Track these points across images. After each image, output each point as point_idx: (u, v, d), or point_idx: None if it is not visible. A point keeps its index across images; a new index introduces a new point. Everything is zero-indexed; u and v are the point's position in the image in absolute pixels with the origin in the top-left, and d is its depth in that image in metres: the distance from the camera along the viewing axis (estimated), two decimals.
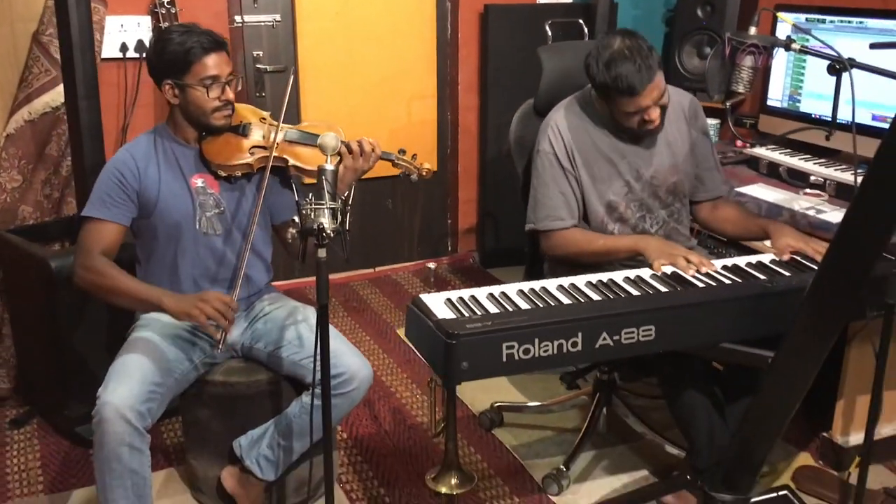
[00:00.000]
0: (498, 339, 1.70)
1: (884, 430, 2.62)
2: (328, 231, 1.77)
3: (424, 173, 2.38)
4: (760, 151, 3.11)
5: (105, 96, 3.35)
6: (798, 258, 2.13)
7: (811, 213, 2.60)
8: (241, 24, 3.65)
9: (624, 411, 2.80)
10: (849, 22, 2.86)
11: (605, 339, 1.78)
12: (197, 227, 2.23)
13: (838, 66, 1.86)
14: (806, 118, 3.08)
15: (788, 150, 3.08)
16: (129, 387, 1.97)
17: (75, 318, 2.63)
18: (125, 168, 2.18)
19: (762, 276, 2.02)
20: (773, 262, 2.13)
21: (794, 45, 1.96)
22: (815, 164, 2.93)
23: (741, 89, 2.10)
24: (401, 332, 3.59)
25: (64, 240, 3.02)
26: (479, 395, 2.98)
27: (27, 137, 3.07)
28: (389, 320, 3.72)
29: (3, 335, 2.96)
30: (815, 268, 2.07)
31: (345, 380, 2.15)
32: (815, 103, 3.03)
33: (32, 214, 3.05)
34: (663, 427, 2.74)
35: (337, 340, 2.21)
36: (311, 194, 1.81)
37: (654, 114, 2.22)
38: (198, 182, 2.24)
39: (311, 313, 2.34)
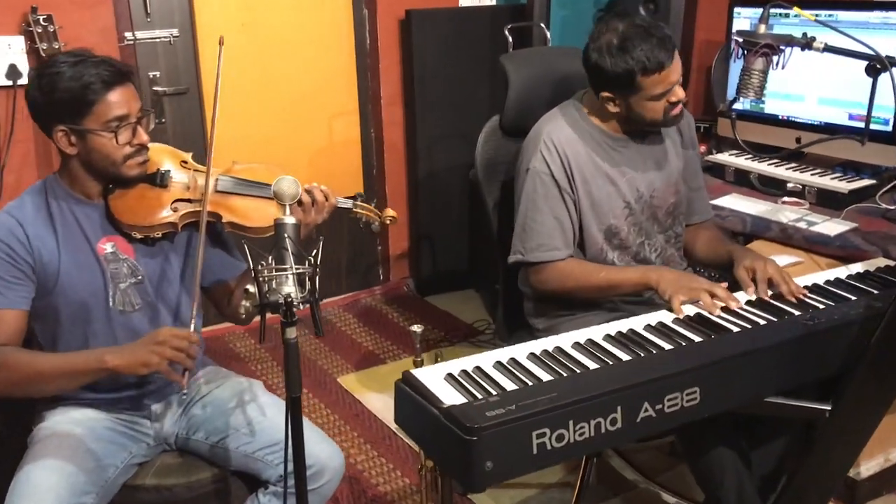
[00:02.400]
0: (526, 426, 1.35)
1: (893, 457, 2.42)
2: (297, 303, 1.38)
3: (388, 221, 2.01)
4: (725, 158, 2.89)
5: None
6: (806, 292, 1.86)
7: (802, 225, 2.37)
8: (132, 42, 3.17)
9: (610, 454, 2.50)
10: (816, 15, 2.66)
11: (646, 410, 1.46)
12: (110, 304, 1.78)
13: (878, 66, 1.60)
14: (772, 120, 2.88)
15: (751, 155, 2.86)
16: None
17: None
18: (12, 238, 1.71)
19: (796, 312, 1.75)
20: (807, 294, 1.86)
21: (816, 44, 1.70)
22: (787, 168, 2.73)
23: (752, 96, 1.83)
24: (343, 380, 3.20)
25: None
26: None
27: None
28: (326, 367, 3.31)
29: None
30: (844, 295, 1.82)
31: (314, 473, 1.75)
32: (782, 104, 2.83)
33: None
34: (655, 472, 2.46)
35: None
36: (270, 258, 1.41)
37: (681, 93, 1.95)
38: (106, 247, 1.79)
39: (259, 390, 1.93)
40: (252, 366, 3.32)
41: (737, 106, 2.97)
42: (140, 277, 1.82)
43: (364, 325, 3.68)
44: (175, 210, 1.81)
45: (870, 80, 1.67)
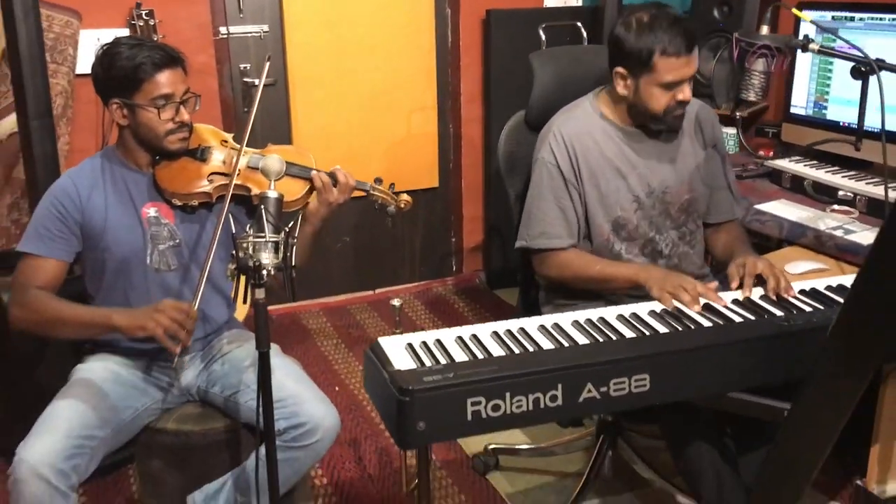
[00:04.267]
0: (461, 394, 1.45)
1: None
2: (269, 268, 1.54)
3: (403, 205, 2.14)
4: (783, 164, 2.83)
5: (82, 113, 3.21)
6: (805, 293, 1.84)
7: (838, 233, 2.32)
8: (226, 36, 3.45)
9: (630, 455, 2.53)
10: (880, 19, 2.58)
11: (590, 391, 1.52)
12: (148, 262, 2.01)
13: (864, 69, 1.58)
14: (833, 127, 2.79)
15: (814, 163, 2.80)
16: (50, 442, 1.74)
17: (28, 357, 2.43)
18: (65, 197, 1.97)
19: (780, 313, 1.75)
20: (796, 295, 1.85)
21: (811, 46, 1.69)
22: (843, 177, 2.65)
23: (752, 97, 1.85)
24: None
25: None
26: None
27: None
28: None
29: None
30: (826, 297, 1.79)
31: (307, 430, 1.91)
32: (844, 110, 2.75)
33: None
34: (673, 472, 2.46)
35: (300, 385, 1.98)
36: (249, 226, 1.58)
37: (688, 92, 1.98)
38: (150, 211, 2.02)
39: (273, 353, 2.10)
40: (318, 341, 3.53)
41: (798, 111, 2.92)
42: (178, 241, 2.04)
43: (431, 312, 3.83)
44: (211, 181, 2.02)
45: None
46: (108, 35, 3.18)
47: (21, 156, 2.91)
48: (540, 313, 2.27)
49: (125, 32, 3.23)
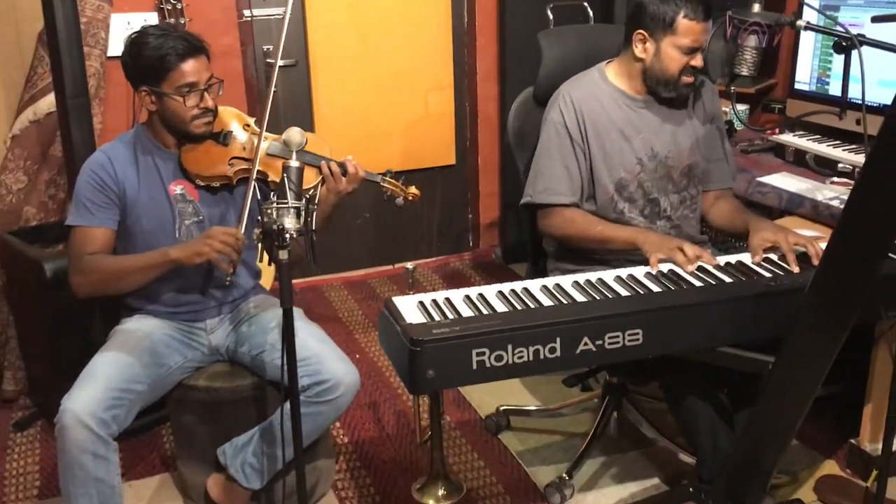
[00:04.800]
0: (467, 345, 1.59)
1: None
2: (291, 232, 1.67)
3: (411, 198, 2.27)
4: (787, 138, 2.92)
5: (113, 95, 3.36)
6: (774, 257, 1.96)
7: (835, 203, 2.42)
8: (250, 18, 3.59)
9: (636, 417, 2.66)
10: None
11: (586, 343, 1.66)
12: (176, 235, 2.16)
13: (845, 44, 1.68)
14: (835, 101, 2.87)
15: (817, 137, 2.89)
16: (91, 393, 1.91)
17: (72, 321, 2.59)
18: (102, 171, 2.12)
19: (768, 274, 1.87)
20: (782, 258, 1.97)
21: (798, 23, 1.80)
22: (844, 150, 2.74)
23: (745, 72, 1.95)
24: None
25: (65, 241, 2.99)
26: (486, 397, 2.87)
27: (32, 138, 3.05)
28: None
29: (8, 338, 2.96)
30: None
31: (329, 386, 2.06)
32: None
33: (36, 215, 3.03)
34: (677, 433, 2.58)
35: (322, 344, 2.13)
36: (273, 193, 1.72)
37: (700, 60, 2.11)
38: (176, 189, 2.17)
39: (297, 315, 2.25)
40: (340, 312, 3.68)
41: (802, 87, 3.01)
42: (201, 218, 2.18)
43: (449, 286, 3.96)
44: (231, 165, 2.16)
45: None
46: (138, 18, 3.36)
47: (58, 134, 3.08)
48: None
49: (154, 16, 3.38)
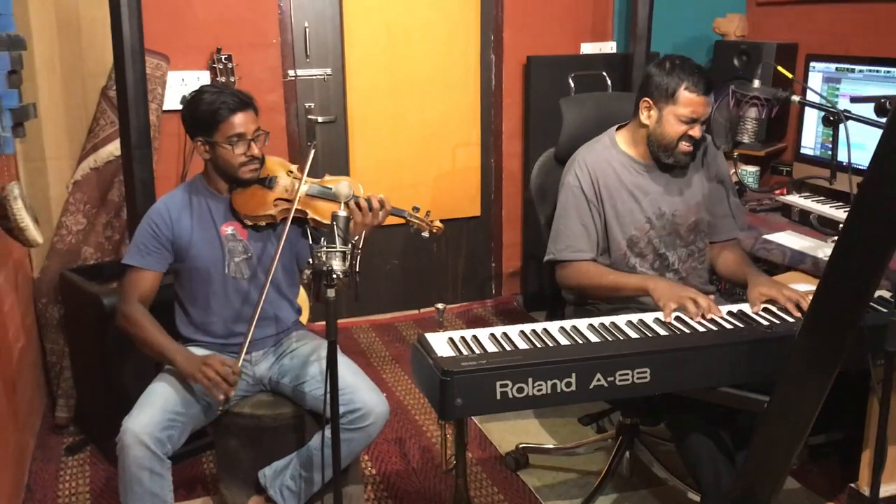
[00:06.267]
0: (492, 377, 1.78)
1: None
2: (338, 273, 1.89)
3: (435, 230, 2.49)
4: (793, 199, 3.12)
5: (166, 145, 3.64)
6: (773, 308, 2.16)
7: None
8: (294, 78, 3.87)
9: (648, 458, 2.82)
10: (877, 71, 2.88)
11: (599, 380, 1.84)
12: (226, 271, 2.39)
13: (833, 118, 1.90)
14: (839, 166, 3.08)
15: (821, 198, 3.09)
16: (150, 414, 2.12)
17: (125, 352, 2.81)
18: (160, 219, 2.36)
19: (765, 322, 2.06)
20: (781, 308, 2.16)
21: (793, 98, 2.02)
22: (844, 211, 2.93)
23: (747, 139, 2.15)
24: None
25: (120, 279, 3.22)
26: (506, 436, 3.04)
27: (92, 184, 3.32)
28: None
29: (63, 368, 3.19)
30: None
31: (361, 415, 2.25)
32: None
33: (94, 255, 3.28)
34: (684, 473, 2.74)
35: (355, 377, 2.33)
36: (323, 238, 1.94)
37: (698, 131, 2.32)
38: (227, 230, 2.40)
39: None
40: (368, 354, 3.88)
41: (807, 151, 3.22)
42: (250, 254, 2.41)
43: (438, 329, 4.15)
44: (275, 206, 2.39)
45: None
46: (192, 76, 3.66)
47: (115, 180, 3.35)
48: None
49: (206, 74, 3.67)
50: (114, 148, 3.34)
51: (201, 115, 2.31)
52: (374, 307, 4.27)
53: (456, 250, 4.36)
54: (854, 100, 1.87)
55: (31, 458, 2.95)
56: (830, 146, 3.11)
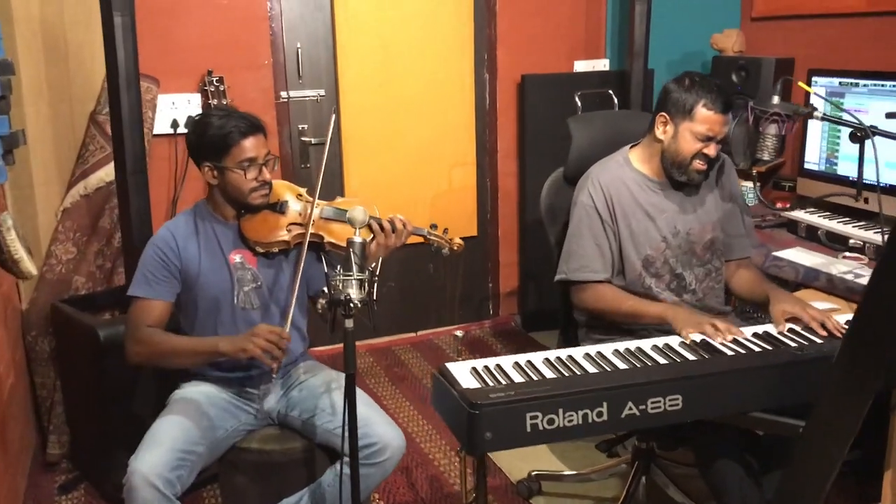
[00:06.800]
0: (521, 409, 1.71)
1: None
2: (355, 302, 1.82)
3: (456, 248, 2.43)
4: (799, 215, 3.09)
5: (156, 170, 3.54)
6: (797, 328, 2.11)
7: (849, 277, 2.57)
8: (286, 100, 3.79)
9: (664, 481, 2.75)
10: (882, 85, 2.86)
11: (630, 408, 1.78)
12: (235, 301, 2.30)
13: (860, 134, 1.86)
14: (843, 181, 3.06)
15: (827, 214, 3.06)
16: (158, 454, 2.02)
17: (122, 386, 2.71)
18: (166, 246, 2.27)
19: (793, 344, 2.00)
20: (806, 328, 2.11)
21: (816, 114, 1.98)
22: (853, 227, 2.90)
23: (766, 157, 2.11)
24: None
25: (114, 309, 3.13)
26: (517, 462, 2.97)
27: (82, 211, 3.22)
28: (429, 386, 3.73)
29: (54, 402, 3.07)
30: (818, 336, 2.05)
31: (377, 450, 2.17)
32: (853, 166, 2.99)
33: (85, 284, 3.17)
34: (704, 497, 2.67)
35: (370, 409, 2.24)
36: (339, 266, 1.86)
37: (713, 150, 2.28)
38: (236, 258, 2.32)
39: (343, 381, 2.37)
40: (367, 379, 3.79)
41: (811, 167, 3.20)
42: (259, 283, 2.33)
43: (470, 353, 4.08)
44: (289, 231, 2.31)
45: None
46: (183, 99, 3.57)
47: (106, 207, 3.26)
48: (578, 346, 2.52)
49: (197, 97, 3.59)
50: (104, 174, 3.25)
51: (210, 140, 2.22)
52: (370, 331, 4.18)
53: (453, 271, 4.29)
54: (890, 115, 1.83)
55: (22, 499, 2.83)
56: (836, 160, 3.11)
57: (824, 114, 1.99)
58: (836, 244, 2.88)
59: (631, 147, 2.44)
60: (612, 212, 2.34)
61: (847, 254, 2.80)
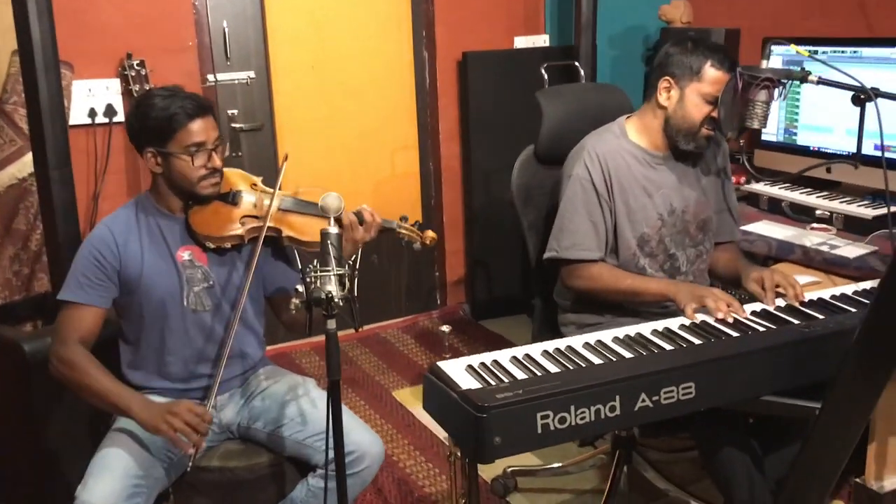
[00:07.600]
0: (532, 408, 1.54)
1: None
2: (337, 300, 1.62)
3: (428, 242, 2.23)
4: (760, 187, 3.03)
5: (74, 164, 3.21)
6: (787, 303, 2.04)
7: (824, 248, 2.50)
8: (214, 83, 3.52)
9: (644, 466, 2.65)
10: (842, 52, 2.82)
11: (644, 400, 1.64)
12: (185, 303, 2.06)
13: (863, 97, 1.76)
14: (803, 151, 3.01)
15: (788, 185, 3.00)
16: (109, 483, 1.78)
17: (53, 405, 2.42)
18: (103, 245, 2.01)
19: (795, 321, 1.91)
20: (802, 304, 2.02)
21: (811, 77, 1.87)
22: (818, 197, 2.85)
23: (756, 125, 2.00)
24: (397, 394, 3.42)
25: (36, 319, 2.83)
26: None
27: None
28: (383, 382, 3.54)
29: None
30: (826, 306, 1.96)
31: (355, 458, 1.98)
32: (813, 135, 2.97)
33: (1, 293, 2.86)
34: (687, 482, 2.59)
35: (345, 415, 2.04)
36: (315, 261, 1.66)
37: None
38: (184, 255, 2.08)
39: (311, 386, 2.17)
40: (317, 382, 3.56)
41: (769, 138, 3.14)
42: (211, 283, 2.09)
43: (420, 345, 3.91)
44: (243, 224, 2.08)
45: None
46: (101, 85, 3.26)
47: (19, 207, 2.94)
48: (559, 333, 2.38)
49: (116, 82, 3.29)
50: (16, 170, 2.94)
51: (154, 123, 1.97)
52: (314, 328, 3.94)
53: (398, 261, 4.10)
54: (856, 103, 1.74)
55: None
56: (795, 131, 3.06)
57: (820, 77, 1.89)
58: (801, 216, 2.83)
59: (627, 118, 2.30)
60: (609, 186, 2.20)
61: (815, 225, 2.75)
